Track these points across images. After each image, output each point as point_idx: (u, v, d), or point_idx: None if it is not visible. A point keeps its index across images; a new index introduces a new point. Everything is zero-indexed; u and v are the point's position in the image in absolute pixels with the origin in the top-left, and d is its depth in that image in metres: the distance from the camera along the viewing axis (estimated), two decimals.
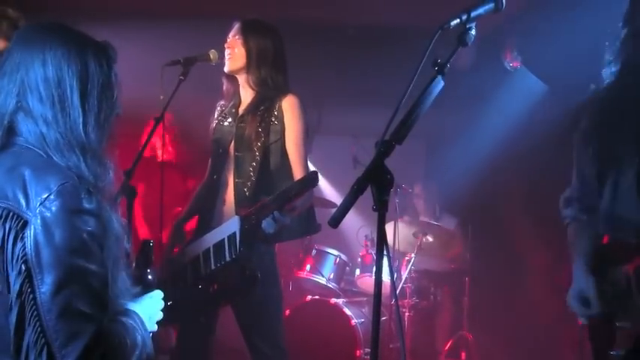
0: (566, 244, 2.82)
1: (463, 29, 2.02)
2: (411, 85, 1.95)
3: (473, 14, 2.02)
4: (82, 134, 1.90)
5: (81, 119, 1.91)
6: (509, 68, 5.87)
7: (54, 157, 1.85)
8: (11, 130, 1.88)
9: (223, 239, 3.24)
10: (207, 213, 3.58)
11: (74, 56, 1.93)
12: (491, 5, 2.07)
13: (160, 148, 3.49)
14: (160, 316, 2.12)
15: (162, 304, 2.15)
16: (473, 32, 2.03)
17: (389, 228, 5.72)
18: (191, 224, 3.76)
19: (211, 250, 3.29)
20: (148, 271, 2.25)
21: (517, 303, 6.30)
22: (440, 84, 1.98)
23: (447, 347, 6.05)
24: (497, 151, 6.23)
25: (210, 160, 3.73)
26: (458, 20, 2.01)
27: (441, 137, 7.51)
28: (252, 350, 3.45)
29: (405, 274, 5.89)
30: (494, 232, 6.52)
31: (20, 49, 1.92)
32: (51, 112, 1.87)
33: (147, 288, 2.16)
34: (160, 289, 2.20)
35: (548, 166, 4.65)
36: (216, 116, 3.74)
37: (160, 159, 3.53)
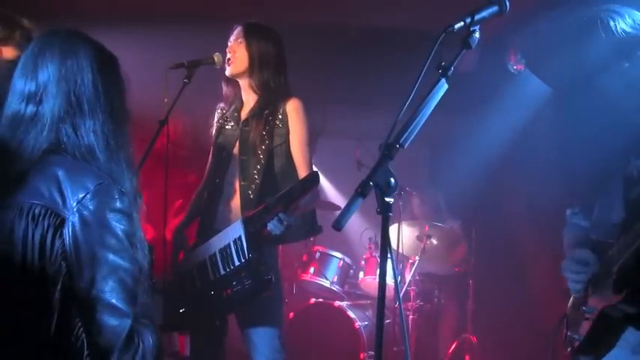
0: None
1: (467, 32, 2.02)
2: (415, 88, 1.95)
3: (477, 17, 2.03)
4: (124, 140, 2.00)
5: (124, 126, 2.01)
6: (513, 71, 5.86)
7: (89, 163, 1.91)
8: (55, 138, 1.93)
9: (229, 243, 3.24)
10: (210, 216, 3.58)
11: (113, 65, 2.03)
12: (495, 8, 2.07)
13: (165, 149, 3.49)
14: (160, 319, 2.17)
15: (162, 307, 2.20)
16: (477, 35, 2.03)
17: (393, 231, 5.72)
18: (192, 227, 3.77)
19: (217, 255, 3.29)
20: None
21: (521, 306, 6.28)
22: (444, 87, 1.98)
23: (450, 350, 6.03)
24: (501, 153, 6.22)
25: (210, 162, 3.73)
26: (462, 23, 2.01)
27: (444, 140, 7.50)
28: (251, 352, 3.46)
29: (408, 277, 5.89)
30: (498, 235, 6.52)
31: (62, 57, 1.95)
32: (99, 121, 1.94)
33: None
34: (169, 295, 2.23)
35: (551, 168, 4.64)
36: (216, 119, 3.75)
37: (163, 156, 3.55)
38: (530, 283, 6.30)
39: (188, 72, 3.52)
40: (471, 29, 2.02)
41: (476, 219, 6.39)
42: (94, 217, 1.83)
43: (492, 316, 6.34)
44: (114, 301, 1.82)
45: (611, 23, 2.46)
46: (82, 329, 1.81)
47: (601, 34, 2.47)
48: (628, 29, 2.45)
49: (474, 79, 5.60)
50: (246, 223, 3.20)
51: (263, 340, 3.42)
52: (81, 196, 1.83)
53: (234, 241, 3.21)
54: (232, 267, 3.21)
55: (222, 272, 3.25)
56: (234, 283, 3.19)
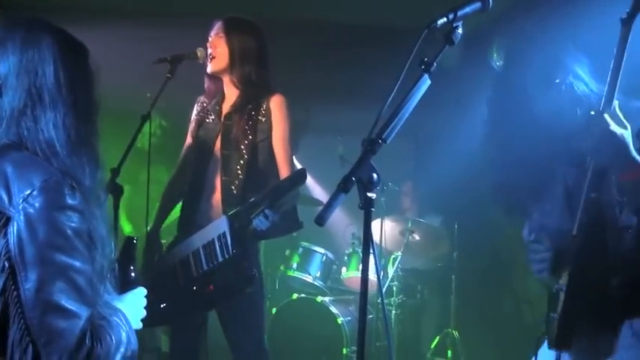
0: None
1: (450, 28, 2.03)
2: (398, 84, 1.95)
3: (460, 13, 2.03)
4: (89, 133, 1.92)
5: (90, 118, 1.93)
6: (496, 67, 5.88)
7: (49, 158, 1.83)
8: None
9: (213, 239, 3.23)
10: (192, 212, 3.56)
11: (78, 55, 1.94)
12: (478, 4, 2.08)
13: (148, 145, 3.49)
14: (143, 313, 2.10)
15: (145, 301, 2.13)
16: (460, 31, 2.04)
17: (376, 226, 5.73)
18: None
19: (200, 250, 3.28)
20: (131, 268, 2.23)
21: (503, 300, 6.32)
22: (427, 82, 1.98)
23: (433, 345, 6.06)
24: (484, 149, 6.23)
25: (184, 156, 3.71)
26: (445, 19, 2.02)
27: (428, 135, 7.51)
28: (233, 348, 3.46)
29: (391, 273, 5.90)
30: (480, 230, 6.54)
31: (23, 47, 1.88)
32: (60, 114, 1.86)
33: (130, 285, 2.15)
34: (149, 290, 2.18)
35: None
36: (196, 112, 3.73)
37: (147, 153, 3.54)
38: (513, 278, 6.33)
39: (171, 67, 3.51)
40: (454, 25, 2.03)
41: (459, 214, 6.41)
42: (40, 216, 1.74)
43: (475, 310, 6.37)
44: (62, 302, 1.72)
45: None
46: (26, 334, 1.73)
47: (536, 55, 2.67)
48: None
49: (457, 74, 5.62)
50: (231, 218, 3.19)
51: (245, 336, 3.43)
52: (27, 193, 1.75)
53: (219, 237, 3.20)
54: (216, 263, 3.20)
55: (206, 268, 3.24)
56: (217, 279, 3.18)
